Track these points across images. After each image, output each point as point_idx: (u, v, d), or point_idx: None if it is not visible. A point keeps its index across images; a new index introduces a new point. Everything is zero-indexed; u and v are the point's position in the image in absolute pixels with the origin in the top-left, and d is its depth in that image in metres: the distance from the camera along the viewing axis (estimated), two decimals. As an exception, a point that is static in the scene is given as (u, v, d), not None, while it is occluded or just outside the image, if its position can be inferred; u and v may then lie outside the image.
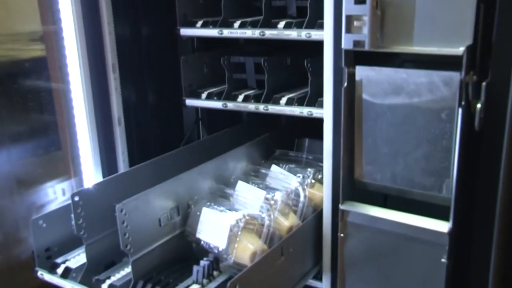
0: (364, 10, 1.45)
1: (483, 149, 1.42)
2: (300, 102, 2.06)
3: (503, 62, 1.32)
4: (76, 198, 1.70)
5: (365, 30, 1.46)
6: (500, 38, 1.31)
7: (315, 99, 2.02)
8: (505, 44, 1.30)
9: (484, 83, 1.35)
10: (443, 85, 1.43)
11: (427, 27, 1.41)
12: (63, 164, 2.29)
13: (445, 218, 1.51)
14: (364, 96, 1.56)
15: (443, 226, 1.50)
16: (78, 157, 2.25)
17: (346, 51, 1.53)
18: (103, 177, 2.24)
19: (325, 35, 1.63)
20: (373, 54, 1.53)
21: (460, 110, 1.38)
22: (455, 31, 1.37)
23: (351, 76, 1.57)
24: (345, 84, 1.57)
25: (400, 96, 1.51)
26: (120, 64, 2.20)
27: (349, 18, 1.48)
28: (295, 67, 2.27)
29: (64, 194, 2.24)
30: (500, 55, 1.32)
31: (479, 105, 1.36)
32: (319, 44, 1.73)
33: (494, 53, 1.33)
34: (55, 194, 2.23)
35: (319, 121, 1.83)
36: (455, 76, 1.39)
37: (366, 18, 1.45)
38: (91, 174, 2.25)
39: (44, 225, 1.80)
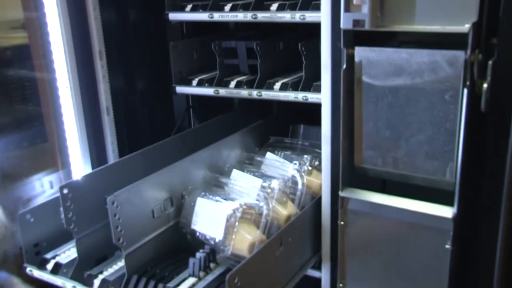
0: (363, -13, 1.39)
1: (489, 131, 1.37)
2: (294, 87, 2.00)
3: (510, 39, 1.26)
4: (65, 191, 1.63)
5: (365, 9, 1.40)
6: (507, 14, 1.25)
7: (310, 84, 1.96)
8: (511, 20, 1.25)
9: (490, 62, 1.30)
10: (447, 64, 1.37)
11: (429, 4, 1.35)
12: (50, 155, 2.21)
13: (447, 203, 1.47)
14: (364, 78, 1.50)
15: (447, 212, 1.46)
16: (65, 148, 2.17)
17: (345, 31, 1.47)
18: (92, 168, 2.17)
19: (322, 14, 1.56)
20: (371, 36, 1.47)
21: (465, 91, 1.33)
22: (459, 7, 1.31)
23: (350, 57, 1.50)
24: (344, 66, 1.51)
25: (401, 78, 1.45)
26: (107, 51, 2.13)
27: (348, -4, 1.42)
28: (289, 51, 2.22)
29: (52, 187, 2.17)
30: (507, 32, 1.27)
31: (485, 85, 1.30)
32: (314, 27, 1.67)
33: (500, 29, 1.28)
34: (43, 187, 2.16)
35: (314, 106, 1.78)
36: (460, 55, 1.33)
37: (366, -4, 1.39)
38: (79, 166, 2.18)
39: (32, 219, 1.73)
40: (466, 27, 1.27)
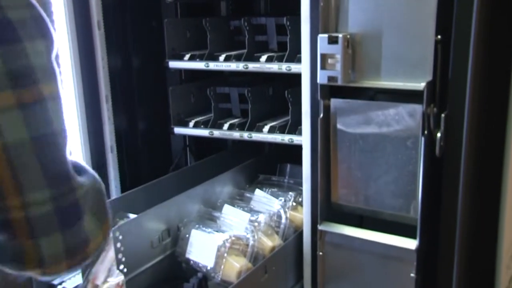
0: (337, 49, 1.61)
1: (444, 173, 1.58)
2: (281, 130, 2.20)
3: (458, 96, 1.48)
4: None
5: (338, 67, 1.62)
6: (455, 75, 1.48)
7: (296, 127, 2.15)
8: (459, 80, 1.47)
9: (443, 115, 1.52)
10: (408, 116, 1.59)
11: (392, 64, 1.58)
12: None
13: (414, 236, 1.66)
14: (338, 126, 1.72)
15: (411, 244, 1.65)
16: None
17: (322, 85, 1.69)
18: (96, 202, 2.33)
19: (303, 71, 1.78)
20: (348, 87, 1.69)
21: (423, 139, 1.55)
22: (417, 68, 1.53)
23: (327, 107, 1.72)
24: (321, 115, 1.73)
25: (370, 126, 1.67)
26: (112, 95, 2.32)
27: (324, 56, 1.64)
28: (277, 97, 2.40)
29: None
30: (455, 90, 1.49)
31: (439, 134, 1.52)
32: (299, 76, 1.85)
33: (450, 88, 1.50)
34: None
35: (299, 148, 1.97)
36: (418, 108, 1.55)
37: (338, 56, 1.61)
38: (84, 200, 2.35)
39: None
40: (421, 85, 1.50)
